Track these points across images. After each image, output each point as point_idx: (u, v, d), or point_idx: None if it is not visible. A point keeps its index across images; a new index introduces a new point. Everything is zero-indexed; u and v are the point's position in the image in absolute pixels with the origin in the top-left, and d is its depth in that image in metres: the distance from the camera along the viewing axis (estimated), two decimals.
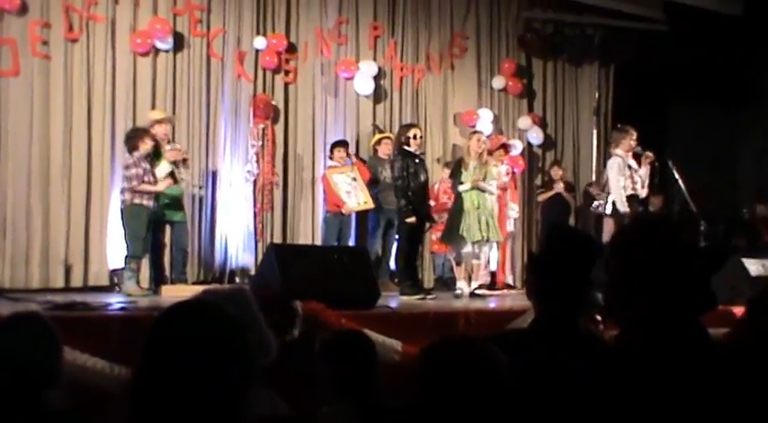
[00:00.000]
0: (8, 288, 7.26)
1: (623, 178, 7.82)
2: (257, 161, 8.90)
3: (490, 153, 8.48)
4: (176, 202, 7.63)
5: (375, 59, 9.76)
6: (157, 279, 7.47)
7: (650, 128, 9.13)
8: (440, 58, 10.22)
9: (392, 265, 8.66)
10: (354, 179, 8.67)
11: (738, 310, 5.11)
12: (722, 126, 11.96)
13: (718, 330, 2.43)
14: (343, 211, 8.58)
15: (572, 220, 10.28)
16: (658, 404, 1.66)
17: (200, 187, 8.65)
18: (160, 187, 7.20)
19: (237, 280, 8.69)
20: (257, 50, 9.04)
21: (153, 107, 8.30)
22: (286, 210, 9.24)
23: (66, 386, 2.52)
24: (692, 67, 10.84)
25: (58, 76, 7.93)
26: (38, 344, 2.45)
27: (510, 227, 9.63)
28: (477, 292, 7.78)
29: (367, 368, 2.89)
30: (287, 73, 9.28)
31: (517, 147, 10.35)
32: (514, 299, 7.79)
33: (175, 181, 7.50)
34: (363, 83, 9.56)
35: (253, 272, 8.41)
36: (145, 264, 7.42)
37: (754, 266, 7.62)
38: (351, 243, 8.79)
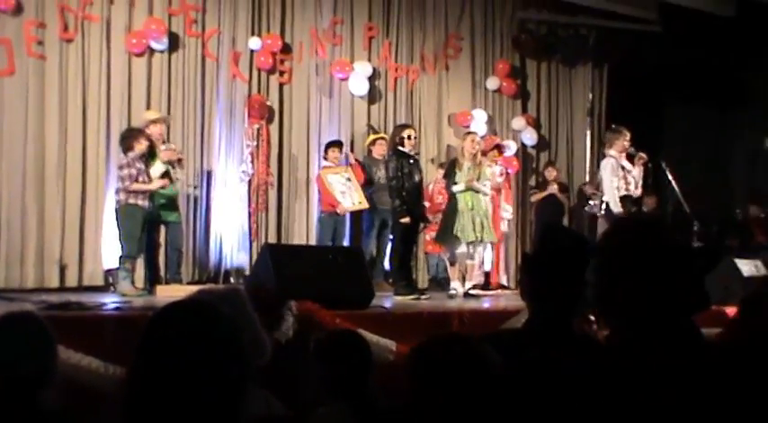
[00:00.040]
0: (3, 288, 7.27)
1: (616, 179, 7.84)
2: (252, 161, 8.92)
3: (484, 154, 8.50)
4: (171, 203, 7.64)
5: (370, 60, 9.78)
6: (152, 279, 7.48)
7: (644, 129, 9.15)
8: (434, 59, 10.24)
9: (386, 265, 8.69)
10: (349, 179, 8.69)
11: (731, 311, 5.15)
12: (715, 127, 12.00)
13: (711, 330, 2.45)
14: (338, 211, 8.60)
15: (566, 221, 10.30)
16: (651, 404, 1.66)
17: (194, 187, 8.65)
18: (153, 186, 7.20)
19: (232, 280, 8.71)
20: (252, 51, 9.05)
21: (148, 107, 8.31)
22: (281, 210, 9.26)
23: (61, 385, 2.51)
24: (686, 69, 10.87)
25: (53, 75, 7.95)
26: (32, 344, 2.45)
27: (504, 228, 9.65)
28: (472, 292, 7.79)
29: (361, 368, 2.90)
30: (282, 73, 9.30)
31: (511, 147, 10.38)
32: (508, 299, 7.81)
33: (171, 181, 7.51)
34: (358, 83, 9.58)
35: (247, 272, 8.42)
36: (140, 264, 7.42)
37: (746, 267, 7.66)
38: (345, 243, 8.81)
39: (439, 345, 1.91)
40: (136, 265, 7.30)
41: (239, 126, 8.97)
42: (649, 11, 10.41)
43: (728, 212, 11.68)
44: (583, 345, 2.22)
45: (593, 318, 2.78)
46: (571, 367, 1.83)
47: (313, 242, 8.95)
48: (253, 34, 9.06)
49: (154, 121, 7.67)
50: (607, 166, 7.93)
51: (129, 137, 7.32)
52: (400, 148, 7.73)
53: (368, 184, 8.75)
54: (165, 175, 7.47)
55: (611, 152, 7.98)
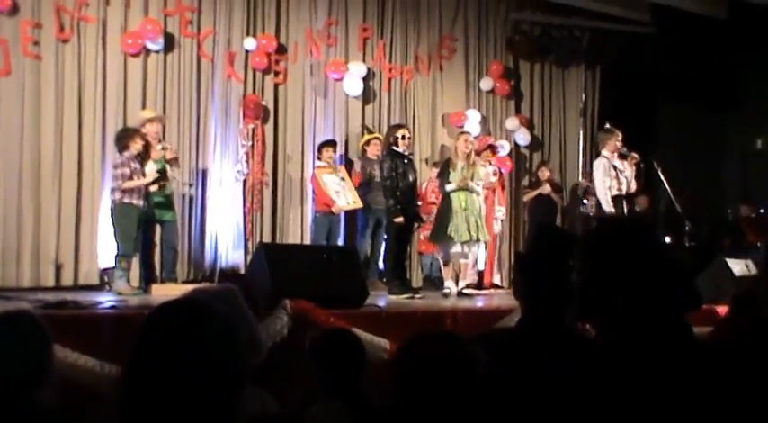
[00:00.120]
0: None
1: (609, 179, 7.90)
2: (247, 161, 8.94)
3: (477, 154, 8.53)
4: (166, 202, 7.66)
5: (364, 60, 9.80)
6: (148, 278, 7.50)
7: (636, 129, 9.21)
8: (428, 60, 10.27)
9: (381, 264, 8.72)
10: (343, 179, 8.74)
11: (722, 309, 5.21)
12: (707, 128, 12.05)
13: (703, 328, 2.49)
14: (333, 211, 8.64)
15: (559, 221, 10.35)
16: (643, 403, 1.67)
17: (189, 185, 8.68)
18: (146, 180, 7.18)
19: None
20: (247, 51, 9.07)
21: (144, 107, 8.32)
22: (275, 209, 9.28)
23: (57, 384, 2.50)
24: (678, 70, 10.93)
25: (50, 76, 7.96)
26: (28, 342, 2.44)
27: (497, 228, 9.68)
28: (465, 291, 7.81)
29: (356, 367, 2.92)
30: (277, 74, 9.32)
31: (504, 147, 10.43)
32: (502, 298, 7.82)
33: (163, 186, 7.54)
34: (352, 84, 9.60)
35: (242, 271, 8.44)
36: (135, 263, 7.43)
37: (737, 266, 7.72)
38: (340, 243, 8.84)
39: (425, 343, 1.91)
40: (132, 263, 7.31)
41: (234, 126, 8.98)
42: (642, 13, 10.46)
43: (720, 212, 11.75)
44: (575, 344, 2.24)
45: None
46: (563, 366, 1.84)
47: (308, 242, 8.98)
48: (248, 35, 9.08)
49: (150, 120, 7.69)
50: (599, 166, 7.99)
51: (124, 136, 7.34)
52: (394, 148, 7.76)
53: (365, 185, 8.78)
54: (162, 174, 7.51)
55: (604, 152, 8.03)
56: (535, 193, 10.32)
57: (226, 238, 8.93)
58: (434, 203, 8.65)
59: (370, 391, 2.86)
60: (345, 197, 8.65)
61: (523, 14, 10.84)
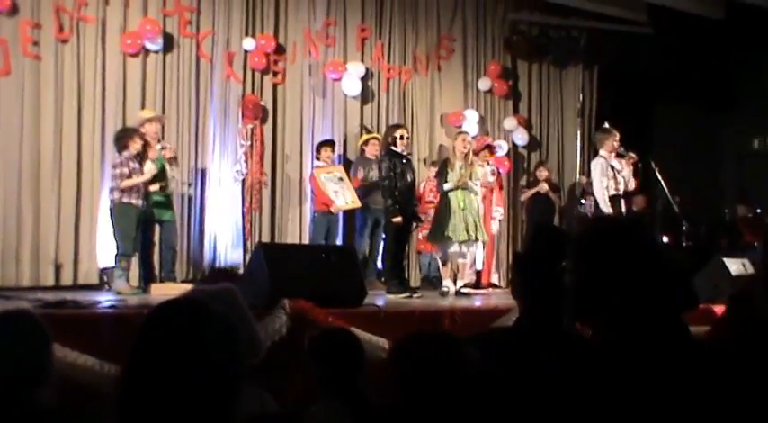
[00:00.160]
0: None
1: (606, 179, 7.92)
2: (246, 161, 8.96)
3: (476, 153, 8.55)
4: (166, 202, 7.68)
5: (363, 61, 9.82)
6: (147, 277, 7.52)
7: (633, 129, 9.24)
8: (427, 60, 10.29)
9: (379, 264, 8.74)
10: (341, 179, 8.75)
11: (719, 309, 5.23)
12: (705, 128, 12.09)
13: (700, 328, 2.51)
14: (332, 210, 8.66)
15: (557, 221, 10.38)
16: (641, 403, 1.67)
17: (189, 185, 8.70)
18: (144, 177, 7.18)
19: None
20: (246, 51, 9.09)
21: (143, 107, 8.34)
22: (274, 209, 9.30)
23: (57, 384, 2.51)
24: (676, 70, 10.96)
25: (49, 76, 7.97)
26: (28, 342, 2.44)
27: (494, 228, 9.71)
28: (463, 290, 7.83)
29: (354, 366, 2.92)
30: (275, 74, 9.34)
31: (502, 147, 10.46)
32: (499, 298, 7.83)
33: (165, 187, 7.56)
34: (351, 84, 9.62)
35: (241, 270, 8.46)
36: (134, 262, 7.45)
37: (734, 266, 7.71)
38: (338, 242, 8.87)
39: (419, 342, 1.92)
40: (131, 263, 7.33)
41: (233, 126, 9.00)
42: (639, 13, 10.49)
43: (717, 212, 11.78)
44: (573, 343, 2.24)
45: None
46: (560, 366, 1.84)
47: (306, 241, 9.00)
48: (247, 35, 9.10)
49: (149, 120, 7.70)
50: (597, 166, 8.00)
51: (123, 136, 7.35)
52: (393, 147, 7.76)
53: (365, 188, 8.80)
54: (161, 173, 7.54)
55: (602, 152, 8.06)
56: (532, 191, 10.34)
57: (225, 237, 8.95)
58: (432, 203, 8.66)
59: (368, 391, 2.85)
60: (344, 197, 8.67)
61: (521, 15, 10.87)
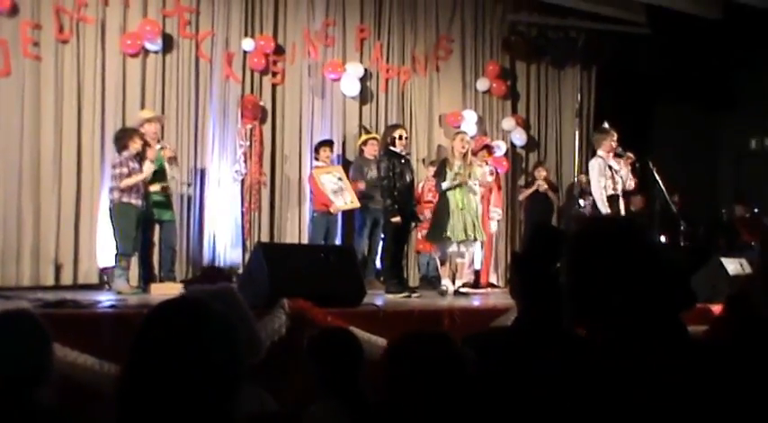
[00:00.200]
0: None
1: (604, 179, 7.94)
2: (245, 161, 8.98)
3: (474, 154, 8.56)
4: (165, 202, 7.70)
5: (361, 61, 9.84)
6: (146, 277, 7.53)
7: (631, 129, 9.27)
8: (425, 60, 10.32)
9: (378, 263, 8.76)
10: (340, 179, 8.77)
11: (717, 308, 5.25)
12: (702, 128, 12.12)
13: (698, 328, 2.52)
14: (331, 211, 8.68)
15: (555, 220, 10.41)
16: (639, 402, 1.67)
17: (188, 185, 8.72)
18: (142, 175, 7.18)
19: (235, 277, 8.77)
20: (245, 52, 9.12)
21: (142, 107, 8.36)
22: (273, 209, 9.32)
23: (57, 383, 2.51)
24: (673, 70, 10.99)
25: (49, 76, 8.00)
26: (28, 341, 2.44)
27: (493, 228, 9.73)
28: (462, 290, 7.84)
29: (353, 366, 2.92)
30: (274, 74, 9.36)
31: (501, 147, 10.48)
32: (498, 297, 7.85)
33: (166, 188, 7.58)
34: (350, 84, 9.64)
35: (240, 270, 8.49)
36: (134, 262, 7.47)
37: (732, 265, 7.73)
38: (337, 242, 8.88)
39: (414, 342, 1.92)
40: (131, 263, 7.34)
41: (232, 126, 9.03)
42: (637, 13, 10.52)
43: (715, 212, 11.81)
44: (571, 343, 2.23)
45: None
46: (553, 365, 1.84)
47: (305, 241, 9.02)
48: (246, 35, 9.12)
49: (148, 120, 7.72)
50: (595, 166, 8.01)
51: (123, 136, 7.36)
52: (392, 148, 7.76)
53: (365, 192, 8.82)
54: (161, 174, 7.56)
55: (600, 152, 8.08)
56: (531, 190, 10.36)
57: (224, 237, 8.98)
58: (431, 203, 8.68)
59: (367, 390, 2.85)
60: (343, 197, 8.69)
61: (520, 15, 10.90)
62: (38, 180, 7.92)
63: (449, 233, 7.67)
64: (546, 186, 10.33)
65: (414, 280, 9.61)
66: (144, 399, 1.49)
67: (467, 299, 7.54)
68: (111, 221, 7.26)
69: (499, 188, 10.07)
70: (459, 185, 7.71)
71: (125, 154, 7.19)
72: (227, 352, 1.54)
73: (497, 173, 10.04)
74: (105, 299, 6.11)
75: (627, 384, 1.69)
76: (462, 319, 5.76)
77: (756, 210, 10.86)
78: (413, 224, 8.36)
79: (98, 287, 7.78)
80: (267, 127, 9.29)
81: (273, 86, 9.40)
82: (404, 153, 7.95)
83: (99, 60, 8.29)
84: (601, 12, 10.45)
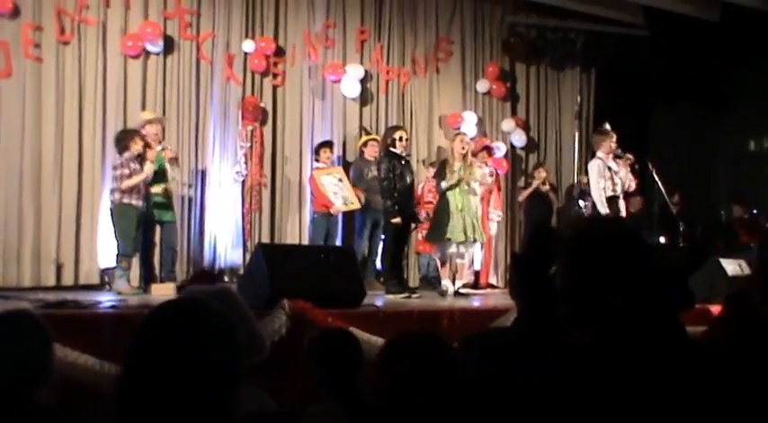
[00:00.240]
0: (0, 286, 7.34)
1: (603, 180, 7.96)
2: (246, 162, 9.00)
3: (474, 155, 8.58)
4: (166, 202, 7.72)
5: (362, 63, 9.86)
6: (147, 278, 7.55)
7: (630, 130, 9.29)
8: (425, 62, 10.34)
9: (378, 264, 8.78)
10: (341, 180, 8.80)
11: (715, 309, 5.27)
12: (701, 129, 12.15)
13: (696, 328, 2.54)
14: (331, 212, 8.70)
15: (554, 221, 10.43)
16: (638, 403, 1.68)
17: (189, 186, 8.75)
18: (143, 176, 7.19)
19: (226, 279, 8.79)
20: (246, 54, 9.14)
21: (143, 109, 8.38)
22: (274, 210, 9.34)
23: (57, 383, 2.49)
24: (672, 72, 11.01)
25: (50, 77, 8.02)
26: (29, 342, 2.42)
27: (492, 229, 9.75)
28: (462, 291, 7.86)
29: (353, 366, 2.93)
30: (275, 76, 9.38)
31: (500, 149, 10.51)
32: (498, 298, 7.87)
33: (167, 190, 7.60)
34: (350, 86, 9.66)
35: (241, 271, 8.51)
36: (135, 262, 7.49)
37: (730, 266, 7.76)
38: (338, 243, 8.90)
39: (408, 343, 1.93)
40: (131, 263, 7.36)
41: (233, 127, 9.05)
42: (636, 15, 10.55)
43: (713, 213, 11.84)
44: (570, 344, 2.16)
45: None
46: (552, 366, 1.84)
47: (306, 242, 9.05)
48: (246, 37, 9.14)
49: (149, 122, 7.75)
50: (594, 168, 8.02)
51: (124, 137, 7.39)
52: (392, 149, 7.78)
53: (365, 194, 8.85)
54: (162, 175, 7.59)
55: (599, 154, 8.09)
56: (530, 190, 10.37)
57: (225, 238, 9.00)
58: (431, 203, 8.70)
59: (367, 391, 2.83)
60: (343, 198, 8.71)
61: (519, 17, 10.92)
62: (39, 181, 7.94)
63: (448, 234, 7.70)
64: (548, 187, 10.36)
65: (414, 281, 9.64)
66: (144, 399, 1.49)
67: (467, 299, 7.56)
68: (112, 222, 7.28)
69: (499, 189, 10.09)
70: (458, 184, 7.72)
71: (126, 155, 7.21)
72: (227, 352, 1.55)
73: (497, 174, 10.06)
74: (106, 299, 6.13)
75: (626, 385, 1.69)
76: (462, 319, 5.78)
77: (755, 211, 10.90)
78: (413, 225, 8.38)
79: (99, 288, 7.81)
80: (268, 128, 9.31)
81: (274, 88, 9.42)
82: (404, 154, 7.97)
83: (100, 62, 8.31)
84: (600, 14, 10.48)
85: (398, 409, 1.84)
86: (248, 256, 8.41)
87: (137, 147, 7.28)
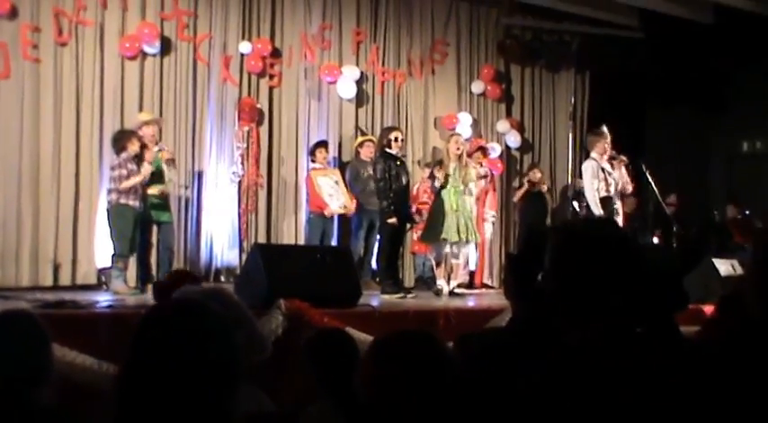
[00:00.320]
0: None
1: (597, 181, 7.99)
2: (242, 163, 9.03)
3: (469, 155, 8.62)
4: (163, 203, 7.73)
5: (358, 64, 9.89)
6: (144, 278, 7.56)
7: (625, 132, 9.34)
8: (421, 64, 10.37)
9: (374, 264, 8.79)
10: (337, 182, 8.83)
11: (709, 309, 5.32)
12: (694, 130, 12.21)
13: (690, 328, 2.55)
14: (325, 214, 8.72)
15: (549, 222, 10.47)
16: (630, 403, 1.68)
17: (186, 187, 8.77)
18: (140, 177, 7.21)
19: (223, 279, 8.83)
20: (243, 55, 9.16)
21: (140, 110, 8.39)
22: (270, 210, 9.37)
23: (55, 383, 2.49)
24: (666, 74, 11.07)
25: (48, 78, 8.03)
26: (27, 342, 2.43)
27: (488, 231, 9.80)
28: (456, 291, 7.90)
29: (349, 366, 2.90)
30: (272, 77, 9.41)
31: (495, 150, 10.56)
32: (492, 298, 7.89)
33: (164, 192, 7.64)
34: (346, 87, 9.69)
35: (237, 271, 8.53)
36: (132, 263, 7.51)
37: (724, 267, 7.80)
38: (334, 243, 8.92)
39: (399, 340, 1.94)
40: (128, 264, 7.38)
41: (230, 128, 9.07)
42: (630, 18, 10.59)
43: (707, 214, 11.90)
44: (564, 344, 2.15)
45: None
46: (546, 366, 1.84)
47: (302, 242, 9.07)
48: (243, 39, 9.16)
49: (146, 123, 7.75)
50: (588, 168, 8.03)
51: (121, 138, 7.41)
52: (387, 149, 7.81)
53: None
54: (159, 175, 7.62)
55: (593, 155, 8.13)
56: (523, 190, 10.38)
57: (221, 238, 9.02)
58: (426, 204, 8.74)
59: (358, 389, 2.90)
60: (338, 201, 8.74)
61: (514, 19, 10.95)
62: (37, 182, 7.95)
63: (443, 234, 7.74)
64: (546, 187, 10.40)
65: (409, 281, 9.67)
66: (142, 398, 1.50)
67: (462, 299, 7.60)
68: (109, 223, 7.29)
69: (494, 190, 10.13)
70: (446, 183, 7.73)
71: (123, 155, 7.23)
72: (224, 352, 1.56)
73: (492, 175, 10.10)
74: (103, 299, 6.15)
75: (620, 385, 1.70)
76: (457, 319, 5.82)
77: (748, 211, 10.96)
78: (408, 225, 8.42)
79: (96, 288, 7.80)
80: (264, 129, 9.34)
81: (270, 89, 9.44)
82: (400, 155, 8.00)
83: (98, 63, 8.32)
84: (595, 16, 10.52)
85: (388, 407, 1.84)
86: (245, 257, 8.44)
87: (134, 147, 7.29)
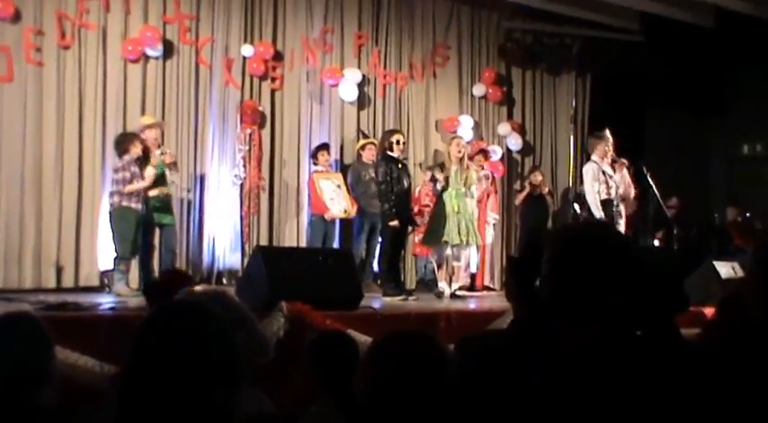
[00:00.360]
0: (1, 288, 7.40)
1: (598, 184, 8.01)
2: (244, 165, 9.04)
3: (470, 158, 8.65)
4: (165, 206, 7.76)
5: (359, 67, 9.91)
6: (146, 280, 7.60)
7: (625, 135, 9.36)
8: (422, 67, 10.39)
9: (376, 267, 8.81)
10: (339, 187, 8.84)
11: (709, 312, 5.33)
12: (695, 133, 12.23)
13: (690, 331, 2.57)
14: (326, 217, 8.74)
15: (550, 224, 10.48)
16: (630, 405, 1.68)
17: (188, 190, 8.80)
18: (145, 183, 7.25)
19: (225, 281, 8.84)
20: (245, 58, 9.18)
21: (143, 113, 8.42)
22: (272, 213, 9.38)
23: (58, 385, 2.49)
24: (667, 77, 11.08)
25: (51, 82, 8.06)
26: (30, 343, 2.44)
27: (489, 236, 9.81)
28: (458, 293, 7.91)
29: (350, 368, 2.93)
30: (273, 80, 9.42)
31: (497, 152, 10.58)
32: (494, 300, 7.92)
33: (167, 195, 7.66)
34: (348, 90, 9.70)
35: (239, 273, 8.54)
36: (134, 265, 7.54)
37: (724, 269, 7.80)
38: (335, 246, 8.95)
39: (398, 340, 1.94)
40: (130, 266, 7.41)
41: (232, 131, 9.09)
42: (631, 21, 10.60)
43: (707, 216, 11.92)
44: (563, 346, 2.15)
45: None
46: (546, 368, 1.84)
47: (304, 244, 9.08)
48: (245, 42, 9.18)
49: (149, 126, 7.79)
50: (588, 171, 8.04)
51: (123, 141, 7.45)
52: (389, 152, 7.82)
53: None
54: (161, 178, 7.64)
55: (594, 157, 8.14)
56: (525, 192, 10.40)
57: (223, 241, 9.03)
58: (428, 207, 8.77)
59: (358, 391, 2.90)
60: (339, 205, 8.75)
61: (515, 23, 10.96)
62: (40, 184, 7.97)
63: (445, 237, 7.75)
64: (547, 190, 10.42)
65: (411, 283, 9.69)
66: (144, 399, 1.51)
67: (463, 302, 7.62)
68: (111, 225, 7.32)
69: (496, 192, 10.15)
70: (447, 185, 7.74)
71: (126, 158, 7.27)
72: (226, 353, 1.57)
73: (493, 177, 10.12)
74: (105, 301, 6.17)
75: (620, 387, 1.71)
76: (459, 321, 5.84)
77: (748, 214, 10.97)
78: (410, 228, 8.44)
79: (99, 290, 7.83)
80: (266, 132, 9.35)
81: (272, 92, 9.46)
82: (401, 158, 8.01)
83: (100, 66, 8.34)
84: (595, 19, 10.53)
85: (387, 408, 1.84)
86: (246, 259, 8.45)
87: (136, 150, 7.33)
